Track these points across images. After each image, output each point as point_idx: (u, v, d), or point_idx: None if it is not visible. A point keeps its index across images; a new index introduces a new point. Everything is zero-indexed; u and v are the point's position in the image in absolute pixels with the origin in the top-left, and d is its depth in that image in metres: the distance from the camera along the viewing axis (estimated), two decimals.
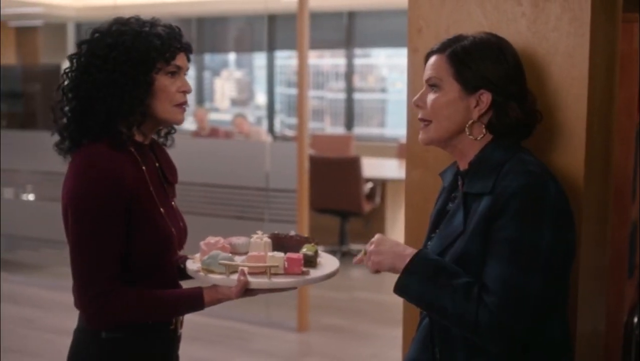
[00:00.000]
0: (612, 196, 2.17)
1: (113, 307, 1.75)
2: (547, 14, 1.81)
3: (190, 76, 10.86)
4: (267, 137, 8.24)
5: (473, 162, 1.67)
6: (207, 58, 11.04)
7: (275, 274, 1.79)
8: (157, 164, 1.95)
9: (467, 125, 1.65)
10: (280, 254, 1.83)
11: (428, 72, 1.69)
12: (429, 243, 1.75)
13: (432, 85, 1.67)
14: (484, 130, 1.66)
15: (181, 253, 2.01)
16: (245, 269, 1.77)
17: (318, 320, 5.18)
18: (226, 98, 11.20)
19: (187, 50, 1.87)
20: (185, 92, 1.86)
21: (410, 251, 1.64)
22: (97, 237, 1.74)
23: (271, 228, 5.10)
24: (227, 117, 9.95)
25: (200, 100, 10.70)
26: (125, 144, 1.81)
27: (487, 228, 1.56)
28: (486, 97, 1.63)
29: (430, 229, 1.80)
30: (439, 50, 1.69)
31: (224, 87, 11.20)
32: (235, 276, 1.76)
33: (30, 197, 6.40)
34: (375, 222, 7.01)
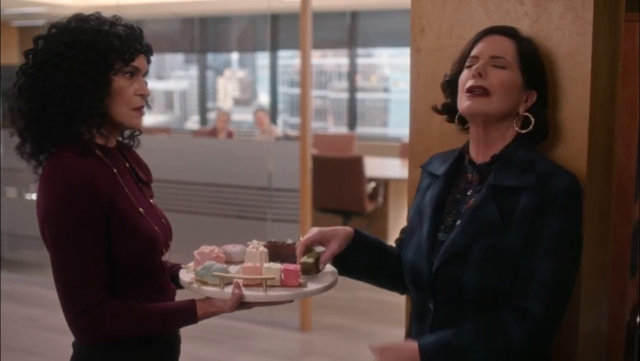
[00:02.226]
0: (615, 195, 2.17)
1: (103, 322, 1.69)
2: (549, 13, 1.81)
3: (193, 76, 10.91)
4: (278, 130, 8.25)
5: (497, 156, 1.71)
6: (210, 57, 11.06)
7: (272, 286, 1.73)
8: (127, 165, 1.89)
9: (519, 118, 1.72)
10: (277, 265, 1.76)
11: (496, 49, 1.71)
12: (443, 234, 1.73)
13: (500, 64, 1.70)
14: (515, 127, 1.72)
15: (176, 257, 1.97)
16: (240, 281, 1.72)
17: (321, 320, 5.18)
18: (229, 97, 11.21)
19: (147, 52, 1.82)
20: (143, 95, 1.80)
21: (413, 347, 1.62)
22: (78, 252, 1.68)
23: (274, 227, 5.14)
24: (232, 116, 9.96)
25: (202, 100, 10.71)
26: (92, 148, 1.76)
27: (531, 224, 1.62)
28: (533, 97, 1.72)
29: (432, 217, 1.76)
30: (506, 34, 1.74)
31: (226, 87, 11.21)
32: (229, 289, 1.70)
33: (33, 196, 6.40)
34: (377, 222, 7.01)
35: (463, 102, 1.71)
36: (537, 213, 1.61)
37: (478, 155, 1.75)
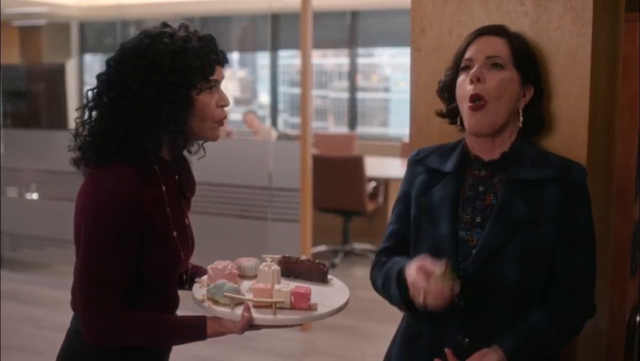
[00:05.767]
0: (615, 195, 2.18)
1: (117, 330, 1.70)
2: (549, 13, 1.82)
3: None
4: (274, 133, 8.23)
5: (509, 153, 1.73)
6: None
7: (281, 308, 1.74)
8: (176, 177, 1.87)
9: (520, 114, 1.74)
10: (287, 288, 1.77)
11: (491, 49, 1.72)
12: (465, 232, 1.72)
13: (496, 64, 1.71)
14: (519, 123, 1.75)
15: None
16: (250, 303, 1.73)
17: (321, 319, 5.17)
18: (229, 97, 11.20)
19: (223, 61, 1.80)
20: (224, 105, 1.79)
21: (496, 352, 1.64)
22: (109, 260, 1.68)
23: (274, 227, 5.14)
24: (230, 116, 9.95)
25: None
26: (150, 162, 1.75)
27: (561, 217, 1.67)
28: (531, 91, 1.74)
29: (452, 216, 1.73)
30: (497, 33, 1.74)
31: (227, 86, 11.20)
32: (239, 310, 1.71)
33: (34, 196, 6.41)
34: (378, 221, 7.01)
35: (467, 118, 1.72)
36: (565, 205, 1.68)
37: (485, 152, 1.75)
